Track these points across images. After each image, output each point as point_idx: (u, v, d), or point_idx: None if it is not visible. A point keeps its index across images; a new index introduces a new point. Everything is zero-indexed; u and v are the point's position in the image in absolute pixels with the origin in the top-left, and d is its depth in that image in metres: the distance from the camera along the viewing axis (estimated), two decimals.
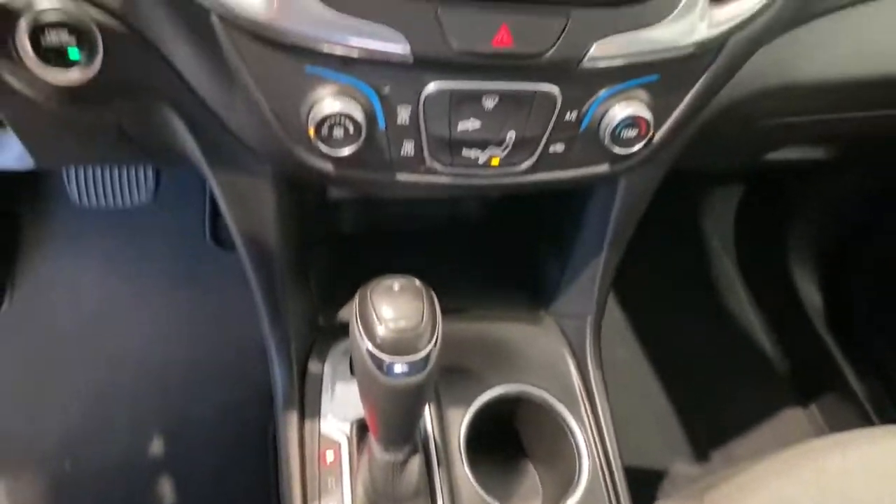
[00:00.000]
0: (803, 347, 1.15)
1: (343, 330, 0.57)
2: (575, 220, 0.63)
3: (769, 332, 1.19)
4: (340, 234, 0.75)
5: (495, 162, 0.48)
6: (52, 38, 0.40)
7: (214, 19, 0.40)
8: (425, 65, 0.42)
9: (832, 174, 1.10)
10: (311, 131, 0.43)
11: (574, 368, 0.66)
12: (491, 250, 0.75)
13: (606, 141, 0.48)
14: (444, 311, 0.45)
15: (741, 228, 1.28)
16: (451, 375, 0.62)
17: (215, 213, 1.11)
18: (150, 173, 1.06)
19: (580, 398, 0.64)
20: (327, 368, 0.63)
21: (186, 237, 1.08)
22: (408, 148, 0.47)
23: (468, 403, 0.61)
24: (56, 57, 0.40)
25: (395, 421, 0.49)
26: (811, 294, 1.17)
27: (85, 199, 1.04)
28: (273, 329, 0.59)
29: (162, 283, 1.04)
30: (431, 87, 0.44)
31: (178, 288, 1.04)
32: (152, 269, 1.05)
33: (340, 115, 0.42)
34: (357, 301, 0.44)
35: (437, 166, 0.48)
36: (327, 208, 0.73)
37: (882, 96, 0.59)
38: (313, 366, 0.63)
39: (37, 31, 0.39)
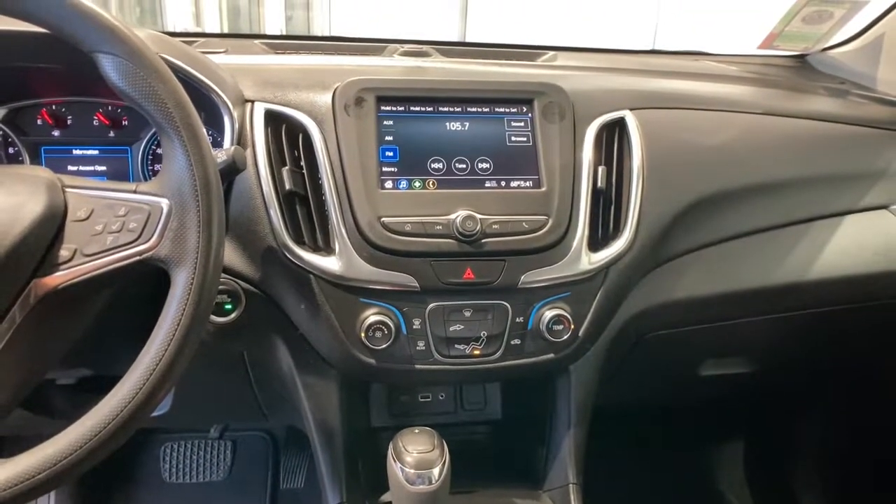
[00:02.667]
0: None
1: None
2: (546, 409, 0.86)
3: None
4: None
5: (476, 352, 0.77)
6: (218, 299, 0.74)
7: (312, 278, 0.74)
8: (427, 292, 0.74)
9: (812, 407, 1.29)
10: (363, 335, 0.73)
11: None
12: (492, 441, 0.95)
13: (546, 334, 0.76)
14: (454, 492, 0.67)
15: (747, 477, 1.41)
16: None
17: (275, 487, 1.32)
18: (228, 453, 1.32)
19: None
20: None
21: None
22: (420, 345, 0.76)
23: None
24: (218, 309, 0.74)
25: None
26: None
27: (174, 476, 1.28)
28: (332, 493, 0.79)
29: None
30: (432, 305, 0.75)
31: None
32: None
33: (379, 322, 0.73)
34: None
35: (440, 357, 0.76)
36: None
37: (736, 307, 0.88)
38: None
39: None
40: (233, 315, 0.75)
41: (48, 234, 0.55)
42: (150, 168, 0.87)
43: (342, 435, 0.81)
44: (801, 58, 1.32)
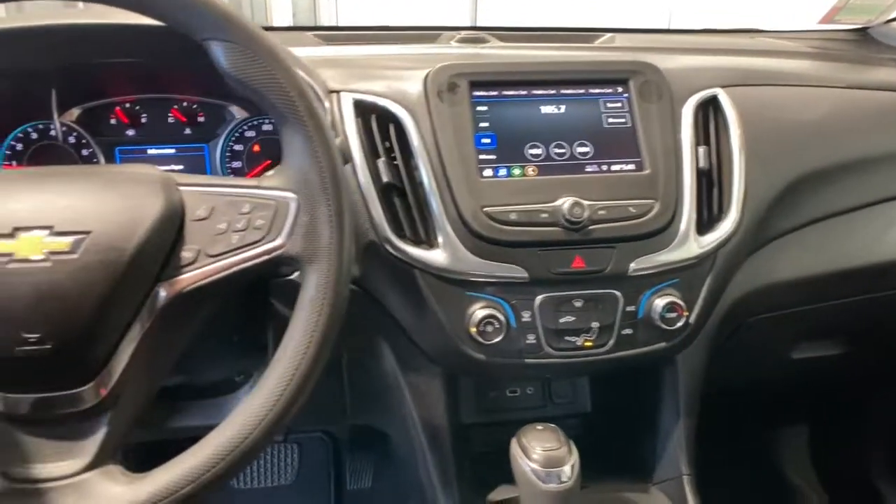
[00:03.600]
0: None
1: None
2: (645, 400, 0.84)
3: None
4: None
5: (588, 344, 0.73)
6: None
7: (416, 272, 0.71)
8: (536, 283, 0.71)
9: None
10: (473, 329, 0.70)
11: None
12: (583, 434, 0.92)
13: (659, 322, 0.73)
14: None
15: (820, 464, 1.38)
16: None
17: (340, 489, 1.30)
18: (294, 456, 1.28)
19: None
20: None
21: None
22: (530, 338, 0.72)
23: None
24: None
25: None
26: None
27: (242, 482, 1.25)
28: (444, 494, 0.76)
29: None
30: (542, 296, 0.72)
31: None
32: None
33: (489, 316, 0.70)
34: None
35: (551, 350, 0.73)
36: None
37: (839, 287, 0.85)
38: None
39: None
40: None
41: (169, 235, 0.52)
42: (229, 166, 0.83)
43: (449, 434, 0.78)
44: (862, 31, 1.28)
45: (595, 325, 0.73)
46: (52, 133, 0.79)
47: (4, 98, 0.75)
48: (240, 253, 0.52)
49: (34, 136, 0.79)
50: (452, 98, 0.74)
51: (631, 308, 0.74)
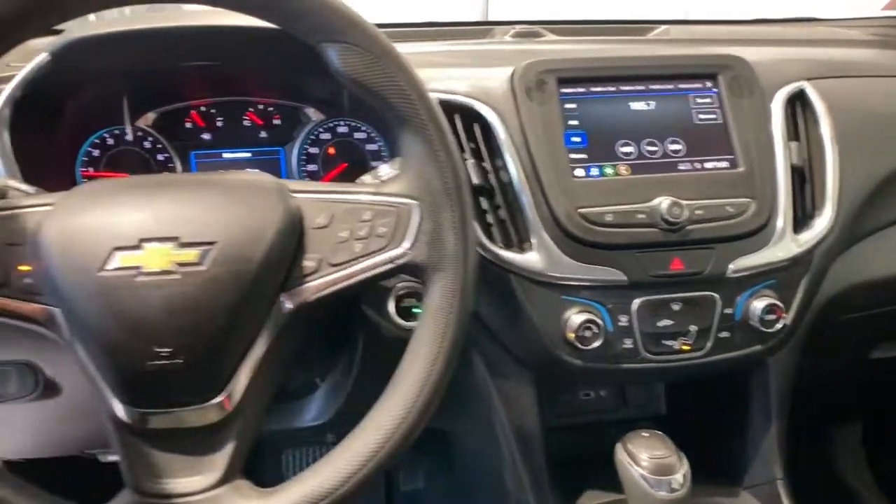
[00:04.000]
0: None
1: None
2: (741, 404, 0.82)
3: None
4: None
5: (686, 348, 0.71)
6: (406, 303, 0.69)
7: (510, 276, 0.69)
8: (634, 286, 0.69)
9: None
10: (571, 335, 0.68)
11: None
12: (673, 438, 0.91)
13: (757, 324, 0.71)
14: None
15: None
16: None
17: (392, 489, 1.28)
18: None
19: None
20: None
21: None
22: (627, 343, 0.70)
23: None
24: (407, 313, 0.69)
25: None
26: None
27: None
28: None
29: None
30: (639, 299, 0.70)
31: None
32: None
33: (589, 321, 0.68)
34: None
35: (648, 355, 0.71)
36: None
37: None
38: None
39: (398, 300, 0.69)
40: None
41: (291, 244, 0.50)
42: (304, 169, 0.82)
43: (541, 440, 0.76)
44: None
45: (693, 328, 0.71)
46: (128, 138, 0.78)
47: (82, 104, 0.74)
48: (363, 261, 0.51)
49: (110, 141, 0.77)
50: (541, 96, 0.72)
51: (728, 310, 0.72)
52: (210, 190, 0.50)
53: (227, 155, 0.80)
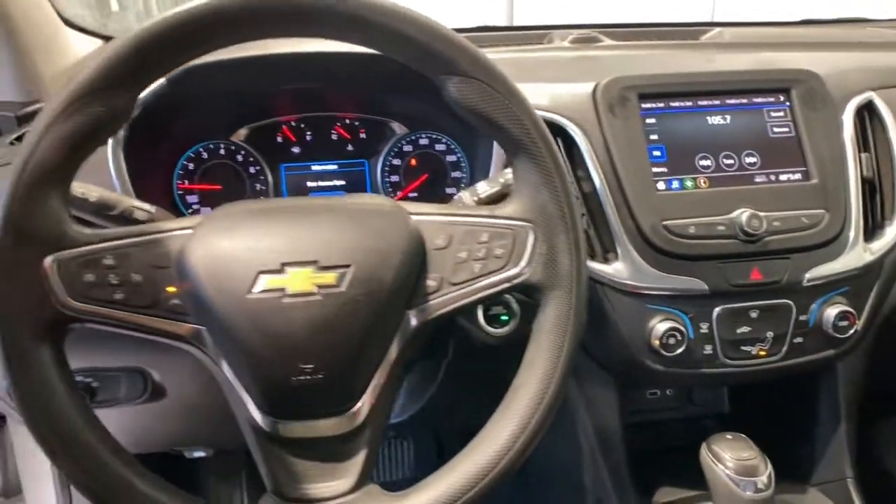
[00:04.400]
0: None
1: None
2: (811, 406, 0.85)
3: None
4: None
5: (762, 353, 0.75)
6: (494, 311, 0.73)
7: (596, 286, 0.73)
8: (715, 295, 0.73)
9: None
10: (656, 342, 0.72)
11: None
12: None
13: (830, 331, 0.75)
14: None
15: None
16: None
17: None
18: (409, 453, 1.32)
19: None
20: None
21: None
22: (707, 349, 0.74)
23: None
24: (495, 320, 0.73)
25: None
26: None
27: None
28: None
29: None
30: (720, 308, 0.73)
31: None
32: None
33: (673, 329, 0.72)
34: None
35: (726, 360, 0.74)
36: None
37: None
38: None
39: (486, 308, 0.72)
40: (508, 327, 0.73)
41: (415, 265, 0.54)
42: (388, 180, 0.85)
43: (620, 437, 0.80)
44: None
45: (769, 334, 0.75)
46: (222, 152, 0.81)
47: (185, 122, 0.77)
48: (482, 280, 0.54)
49: (205, 155, 0.81)
50: (624, 112, 0.75)
51: (803, 317, 0.75)
52: (338, 214, 0.54)
53: (315, 167, 0.84)
